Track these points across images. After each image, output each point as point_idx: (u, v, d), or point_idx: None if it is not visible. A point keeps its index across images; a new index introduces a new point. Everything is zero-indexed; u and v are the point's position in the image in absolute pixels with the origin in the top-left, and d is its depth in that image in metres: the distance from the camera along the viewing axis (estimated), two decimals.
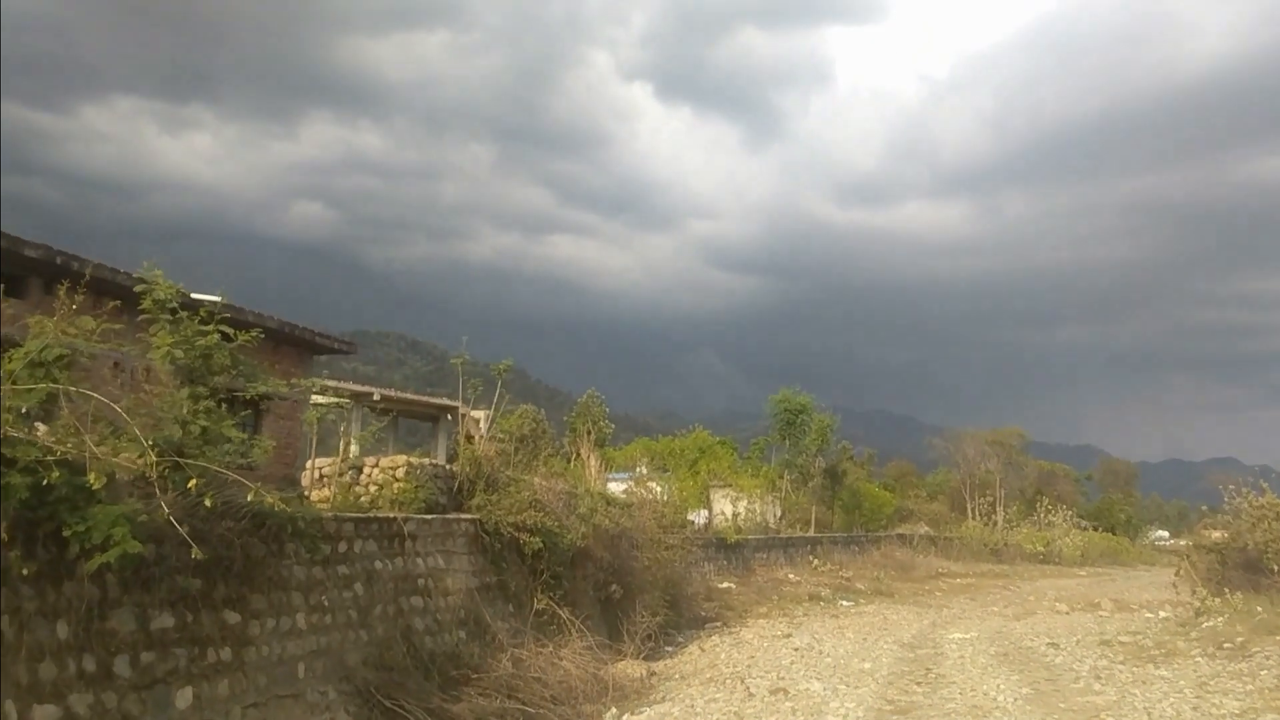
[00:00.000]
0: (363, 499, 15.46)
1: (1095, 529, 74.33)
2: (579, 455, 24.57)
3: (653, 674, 17.13)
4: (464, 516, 15.84)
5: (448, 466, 17.10)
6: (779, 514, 43.97)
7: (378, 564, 12.96)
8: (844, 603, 30.98)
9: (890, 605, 31.23)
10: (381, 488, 15.48)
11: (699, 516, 38.56)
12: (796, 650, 18.70)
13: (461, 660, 13.68)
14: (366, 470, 15.96)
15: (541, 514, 16.64)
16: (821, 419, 44.35)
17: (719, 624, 24.74)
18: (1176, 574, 30.76)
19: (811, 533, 43.18)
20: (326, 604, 11.57)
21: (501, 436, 38.93)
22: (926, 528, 57.61)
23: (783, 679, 15.53)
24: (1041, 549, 60.58)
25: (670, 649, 21.08)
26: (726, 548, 32.48)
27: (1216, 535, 29.43)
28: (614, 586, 19.56)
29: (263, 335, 12.26)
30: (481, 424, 40.19)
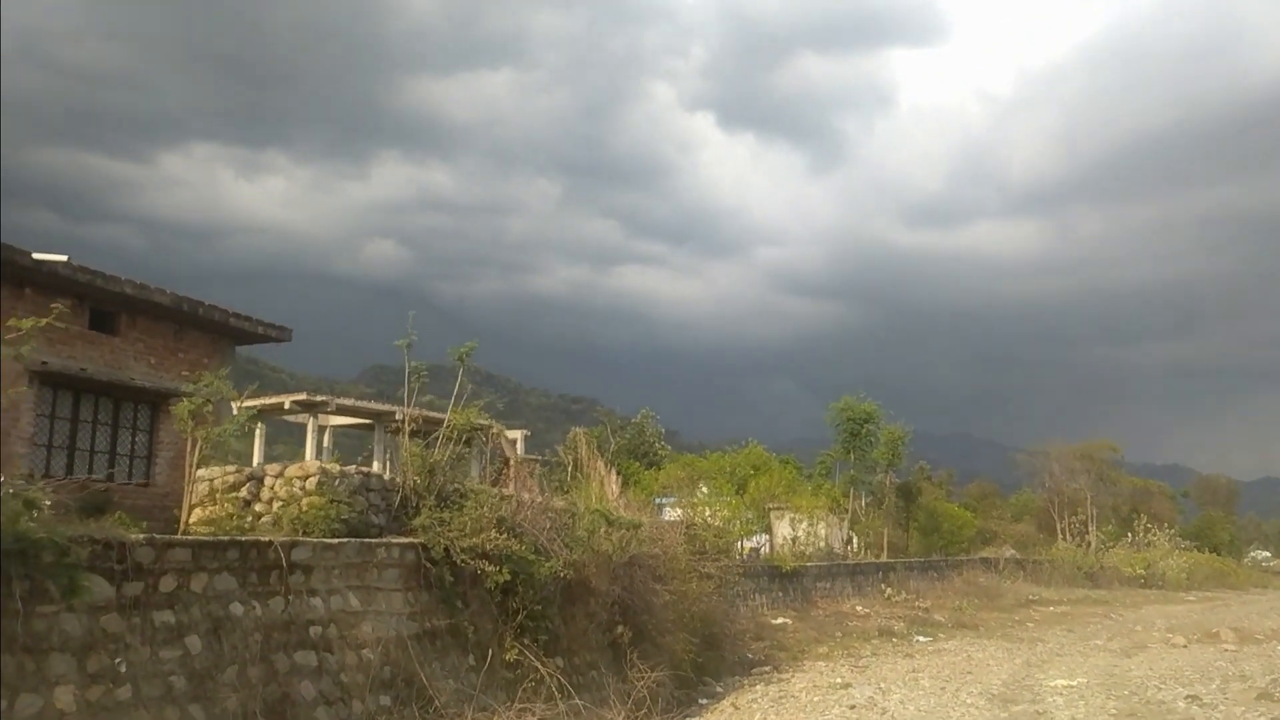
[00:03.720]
0: (264, 519, 11.72)
1: (1197, 549, 68.40)
2: (594, 472, 20.60)
3: None
4: (396, 540, 11.99)
5: (387, 478, 13.27)
6: (846, 538, 39.49)
7: (235, 608, 9.15)
8: (920, 639, 26.57)
9: (975, 640, 26.78)
10: (286, 504, 11.71)
11: (759, 542, 34.38)
12: (852, 708, 14.49)
13: None
14: (269, 482, 12.18)
15: (507, 536, 12.69)
16: (891, 430, 39.82)
17: (768, 668, 20.58)
18: None
19: (884, 558, 38.69)
20: (123, 670, 7.77)
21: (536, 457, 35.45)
22: (1012, 550, 52.66)
23: None
24: (1142, 572, 55.22)
25: (704, 701, 17.07)
26: (782, 577, 28.23)
27: None
28: (620, 628, 15.56)
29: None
30: (518, 444, 36.64)
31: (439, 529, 12.43)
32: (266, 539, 9.80)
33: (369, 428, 34.09)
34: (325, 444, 33.21)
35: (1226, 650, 24.71)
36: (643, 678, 13.94)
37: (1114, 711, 14.00)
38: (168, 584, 8.47)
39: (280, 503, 11.81)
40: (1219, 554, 75.66)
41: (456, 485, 13.49)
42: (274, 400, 31.58)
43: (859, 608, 30.12)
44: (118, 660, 7.76)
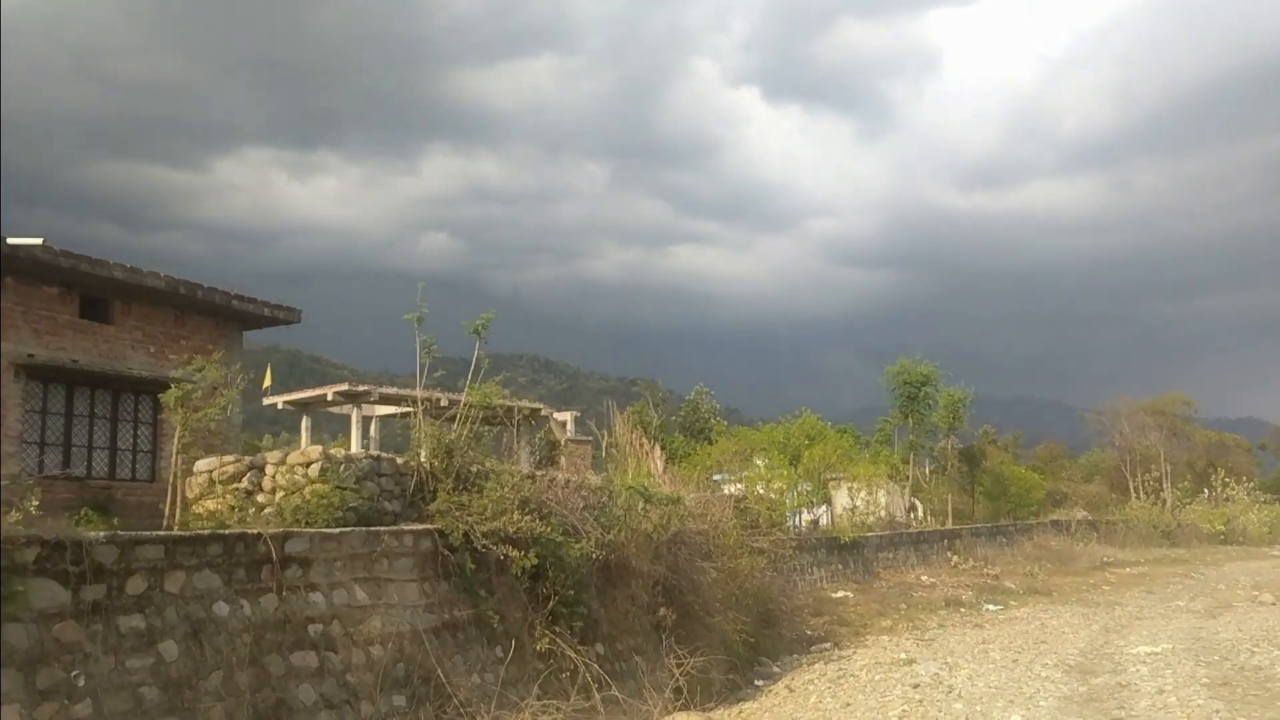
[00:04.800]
0: (267, 510, 10.91)
1: (1278, 503, 65.94)
2: (632, 448, 19.61)
3: None
4: (408, 528, 11.13)
5: (400, 461, 12.42)
6: (909, 505, 38.22)
7: (220, 608, 8.32)
8: (990, 607, 25.37)
9: (1048, 606, 25.52)
10: (289, 493, 10.89)
11: (818, 513, 33.26)
12: (916, 688, 13.40)
13: None
14: (269, 470, 11.36)
15: (533, 517, 11.79)
16: (951, 393, 38.40)
17: (828, 645, 19.56)
18: None
19: (949, 525, 37.37)
20: (81, 683, 6.97)
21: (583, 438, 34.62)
22: (1084, 512, 50.90)
23: None
24: (1221, 528, 53.32)
25: (760, 683, 16.12)
26: (841, 548, 27.10)
27: None
28: (662, 610, 14.61)
29: None
30: (568, 426, 35.82)
31: (457, 513, 11.56)
32: (254, 531, 8.96)
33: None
34: (372, 434, 32.67)
35: None
36: (682, 664, 13.00)
37: (1206, 680, 12.77)
38: (136, 585, 7.66)
39: (282, 491, 11.00)
40: None
41: (478, 466, 12.61)
42: (316, 393, 31.04)
43: (924, 577, 28.96)
44: (74, 673, 6.95)
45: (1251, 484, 62.27)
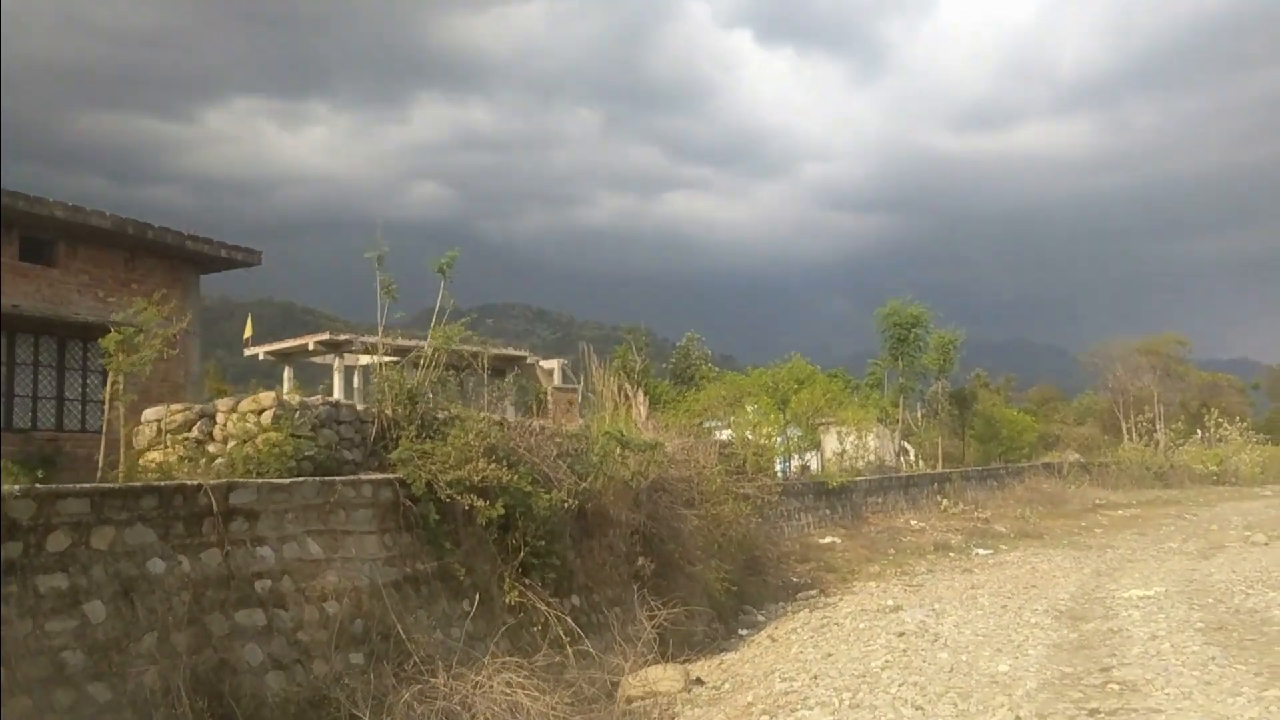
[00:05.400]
0: (218, 460, 10.37)
1: (1270, 443, 65.84)
2: (609, 392, 19.06)
3: (696, 683, 11.78)
4: (366, 477, 10.60)
5: (360, 407, 11.88)
6: (899, 449, 37.88)
7: (154, 565, 7.79)
8: (980, 551, 25.05)
9: (1039, 550, 25.22)
10: (241, 442, 10.34)
11: (808, 458, 32.86)
12: (901, 636, 12.94)
13: (329, 706, 8.47)
14: (221, 418, 10.80)
15: (500, 465, 11.25)
16: (942, 335, 37.82)
17: (814, 592, 19.23)
18: None
19: (939, 469, 37.00)
20: None
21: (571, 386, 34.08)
22: (1076, 455, 50.68)
23: (855, 707, 9.63)
24: (1214, 468, 53.20)
25: (744, 632, 15.79)
26: (829, 493, 26.70)
27: None
28: (641, 560, 14.17)
29: None
30: (555, 374, 35.26)
31: (419, 461, 11.02)
32: (194, 482, 8.41)
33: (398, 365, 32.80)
34: (355, 384, 32.14)
35: None
36: (654, 615, 12.56)
37: (1200, 625, 12.33)
38: (58, 542, 7.11)
39: (234, 440, 10.45)
40: None
41: (444, 412, 12.07)
42: (297, 342, 30.46)
43: (913, 522, 28.61)
44: None
45: (1244, 424, 62.15)
